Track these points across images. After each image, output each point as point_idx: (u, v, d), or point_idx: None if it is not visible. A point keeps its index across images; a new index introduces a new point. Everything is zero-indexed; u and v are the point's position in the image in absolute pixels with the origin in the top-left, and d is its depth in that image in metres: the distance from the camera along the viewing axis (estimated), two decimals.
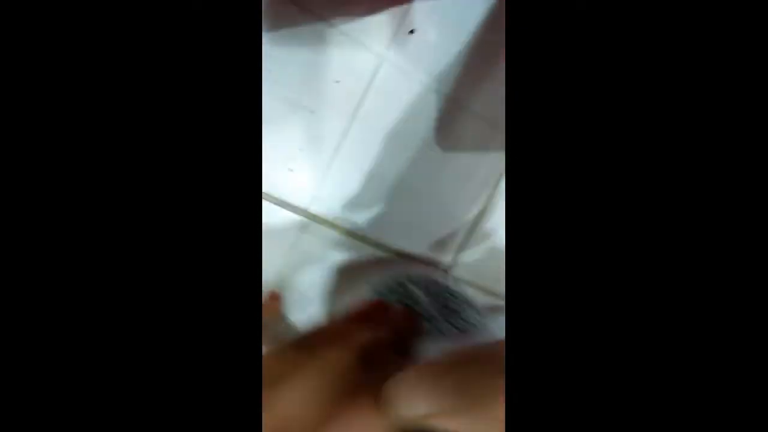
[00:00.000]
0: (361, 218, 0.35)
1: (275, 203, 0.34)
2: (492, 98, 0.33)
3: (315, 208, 0.34)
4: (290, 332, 0.36)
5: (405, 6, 0.30)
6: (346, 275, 0.35)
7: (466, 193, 0.35)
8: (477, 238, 0.37)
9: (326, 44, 0.31)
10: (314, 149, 0.33)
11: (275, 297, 0.29)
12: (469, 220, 0.36)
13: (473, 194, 0.36)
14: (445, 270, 0.36)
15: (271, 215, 0.34)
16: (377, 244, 0.35)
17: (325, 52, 0.30)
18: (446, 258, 0.36)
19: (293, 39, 0.30)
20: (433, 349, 0.24)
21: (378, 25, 0.31)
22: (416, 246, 0.36)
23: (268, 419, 0.16)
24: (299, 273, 0.35)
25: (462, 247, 0.36)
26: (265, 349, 0.20)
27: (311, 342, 0.22)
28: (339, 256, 0.35)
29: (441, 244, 0.36)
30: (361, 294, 0.30)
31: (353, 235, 0.35)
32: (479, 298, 0.35)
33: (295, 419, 0.17)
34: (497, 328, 0.28)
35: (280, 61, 0.30)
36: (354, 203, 0.35)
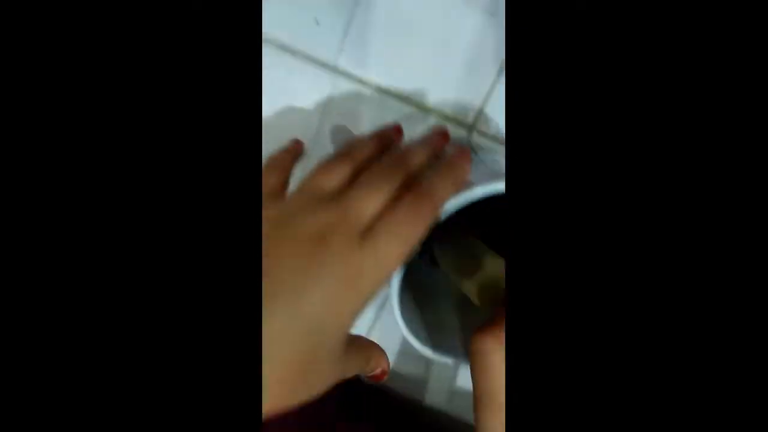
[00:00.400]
0: (387, 71, 0.35)
1: (302, 58, 0.34)
2: None
3: (343, 63, 0.34)
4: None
5: None
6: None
7: (495, 43, 0.34)
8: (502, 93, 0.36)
9: None
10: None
11: (298, 146, 0.29)
12: (497, 72, 0.35)
13: (503, 43, 0.34)
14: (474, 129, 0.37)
15: (299, 72, 0.34)
16: (406, 98, 0.35)
17: None
18: (472, 113, 0.36)
19: None
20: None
21: None
22: (444, 98, 0.36)
23: (341, 204, 0.19)
24: (333, 132, 0.37)
25: (488, 98, 0.36)
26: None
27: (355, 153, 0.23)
28: (370, 113, 0.36)
29: (467, 98, 0.36)
30: None
31: (382, 89, 0.35)
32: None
33: (362, 209, 0.19)
34: None
35: None
36: (380, 55, 0.34)
